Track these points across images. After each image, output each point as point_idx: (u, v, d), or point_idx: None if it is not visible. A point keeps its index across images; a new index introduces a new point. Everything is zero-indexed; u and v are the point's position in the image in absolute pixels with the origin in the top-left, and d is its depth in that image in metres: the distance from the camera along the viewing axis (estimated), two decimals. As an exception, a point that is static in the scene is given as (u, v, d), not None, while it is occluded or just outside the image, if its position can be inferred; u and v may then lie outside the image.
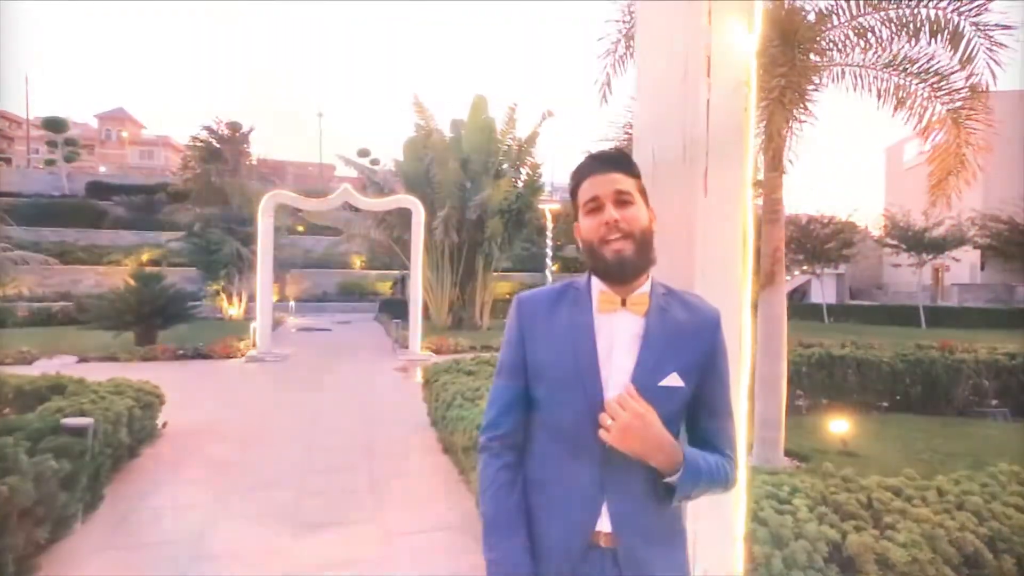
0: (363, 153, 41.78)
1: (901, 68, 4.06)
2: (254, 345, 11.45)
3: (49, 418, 3.74)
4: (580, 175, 1.25)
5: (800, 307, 26.40)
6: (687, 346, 1.21)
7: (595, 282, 1.25)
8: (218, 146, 19.32)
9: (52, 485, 3.23)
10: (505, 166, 16.59)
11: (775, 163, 4.52)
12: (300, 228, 27.89)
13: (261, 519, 3.82)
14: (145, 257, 24.46)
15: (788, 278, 29.47)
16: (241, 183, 18.67)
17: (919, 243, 21.21)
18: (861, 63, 4.20)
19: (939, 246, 21.10)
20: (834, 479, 2.67)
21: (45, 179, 34.42)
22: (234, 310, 19.33)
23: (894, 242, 22.35)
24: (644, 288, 1.23)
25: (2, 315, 16.18)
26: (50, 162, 39.08)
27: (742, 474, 1.52)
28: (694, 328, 1.23)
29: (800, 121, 4.58)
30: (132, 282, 12.26)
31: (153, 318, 11.38)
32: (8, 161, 39.55)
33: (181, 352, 10.94)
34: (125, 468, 4.65)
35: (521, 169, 16.96)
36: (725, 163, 1.44)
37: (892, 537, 2.12)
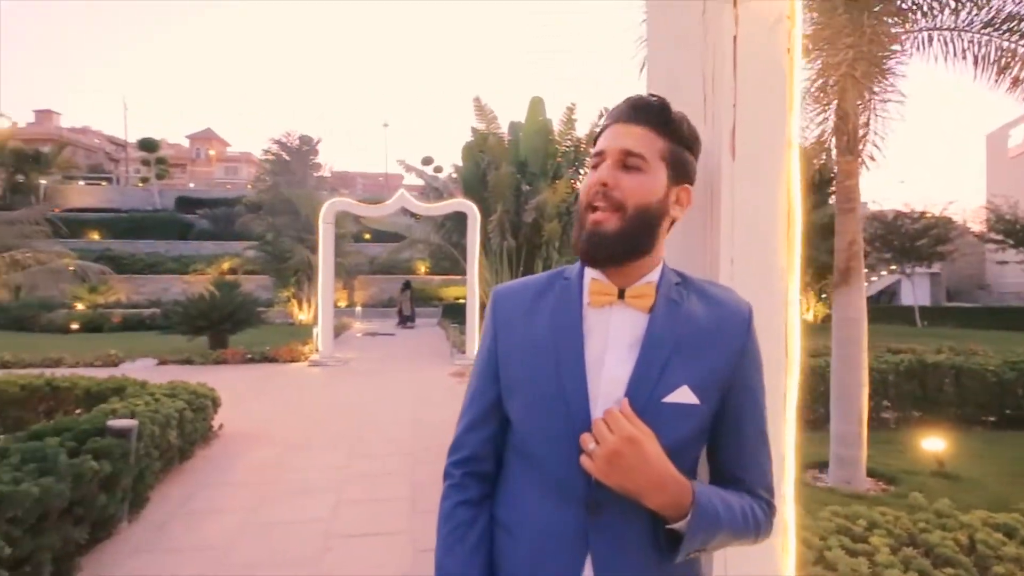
0: (427, 161, 42.65)
1: (1004, 28, 3.46)
2: (316, 350, 11.73)
3: (97, 419, 3.83)
4: (607, 121, 0.96)
5: (888, 309, 24.37)
6: (705, 351, 0.91)
7: (588, 268, 0.97)
8: (287, 159, 20.17)
9: (92, 486, 3.27)
10: (563, 168, 16.27)
11: (850, 146, 4.00)
12: (367, 235, 28.68)
13: (294, 527, 3.74)
14: (225, 266, 25.95)
15: (875, 278, 27.41)
16: (309, 193, 19.37)
17: (1029, 238, 19.03)
18: (952, 26, 3.63)
19: (1053, 241, 18.84)
20: (925, 513, 2.21)
21: (141, 195, 37.43)
22: (304, 315, 20.05)
23: (999, 237, 20.14)
24: (650, 276, 0.94)
25: (99, 320, 17.55)
26: (144, 179, 42.51)
27: (790, 512, 1.19)
28: (716, 327, 0.92)
29: (880, 99, 4.05)
30: (213, 290, 12.99)
31: (223, 323, 11.91)
32: (109, 180, 43.34)
33: (249, 356, 11.37)
34: (176, 469, 4.73)
35: (580, 170, 16.58)
36: (761, 118, 1.12)
37: (1002, 593, 1.68)
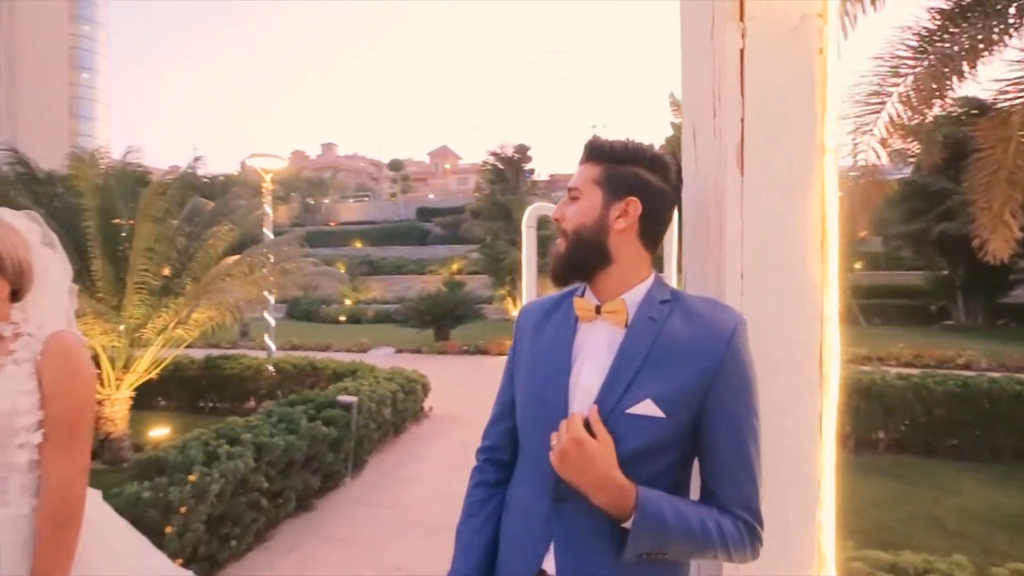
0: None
1: None
2: (521, 344, 12.65)
3: (331, 394, 4.85)
4: None
5: None
6: (676, 368, 0.96)
7: (585, 287, 1.10)
8: (501, 168, 21.98)
9: (323, 446, 4.20)
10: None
11: None
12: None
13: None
14: (454, 267, 29.27)
15: None
16: (520, 198, 20.85)
17: None
18: None
19: None
20: None
21: (391, 208, 44.31)
22: (516, 311, 21.66)
23: None
24: (628, 294, 1.02)
25: (358, 314, 21.38)
26: (393, 194, 50.20)
27: (829, 543, 1.11)
28: (691, 345, 0.97)
29: None
30: (443, 288, 15.04)
31: (444, 318, 13.58)
32: (368, 196, 52.28)
33: (465, 348, 12.79)
34: (391, 440, 5.69)
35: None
36: (777, 130, 1.08)
37: None
